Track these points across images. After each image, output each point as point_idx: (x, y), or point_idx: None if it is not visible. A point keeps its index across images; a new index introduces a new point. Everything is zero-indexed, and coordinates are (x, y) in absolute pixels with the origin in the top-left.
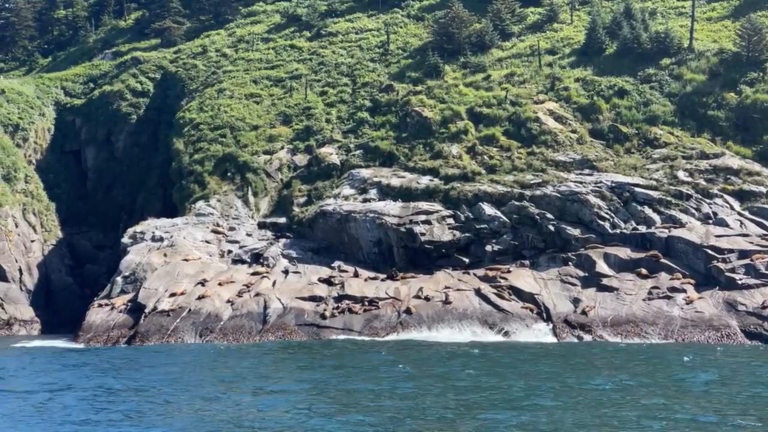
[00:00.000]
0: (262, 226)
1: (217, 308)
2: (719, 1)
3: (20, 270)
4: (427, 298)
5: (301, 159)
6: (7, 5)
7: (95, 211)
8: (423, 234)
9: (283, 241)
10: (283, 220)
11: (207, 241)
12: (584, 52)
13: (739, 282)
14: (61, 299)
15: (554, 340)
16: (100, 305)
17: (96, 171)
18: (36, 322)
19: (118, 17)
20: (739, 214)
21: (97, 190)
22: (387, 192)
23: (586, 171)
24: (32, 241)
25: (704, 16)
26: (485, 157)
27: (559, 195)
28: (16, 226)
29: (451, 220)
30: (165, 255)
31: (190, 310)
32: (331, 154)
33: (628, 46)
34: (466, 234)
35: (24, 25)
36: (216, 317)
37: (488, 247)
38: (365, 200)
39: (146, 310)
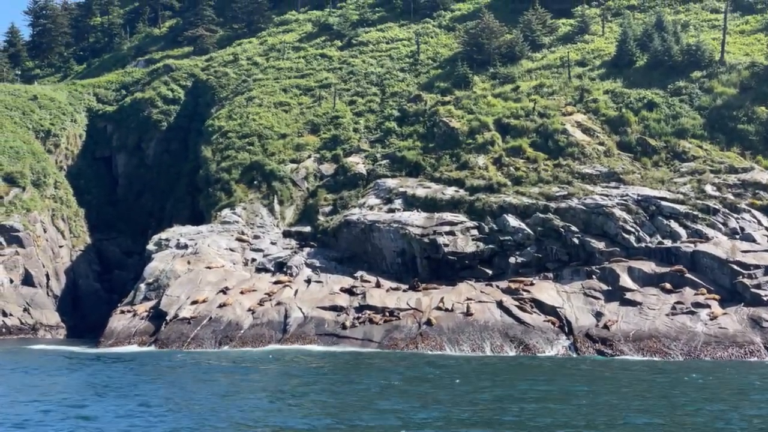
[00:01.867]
0: (286, 234)
1: (237, 316)
2: (753, 14)
3: (47, 275)
4: (447, 310)
5: (328, 168)
6: (44, 12)
7: (125, 217)
8: (446, 245)
9: (307, 250)
10: (308, 229)
11: (231, 249)
12: (615, 64)
13: (765, 298)
14: (88, 305)
15: (574, 354)
16: (123, 312)
17: (126, 177)
18: (62, 327)
19: (153, 25)
20: (767, 229)
21: (127, 197)
22: (412, 202)
23: (613, 184)
24: (60, 247)
25: (737, 29)
26: (511, 168)
27: (584, 208)
28: (45, 232)
29: (475, 232)
30: (188, 262)
31: (210, 318)
32: (357, 163)
33: (659, 59)
34: (490, 246)
35: (60, 32)
36: (236, 325)
37: (512, 259)
38: (390, 210)
39: (167, 318)
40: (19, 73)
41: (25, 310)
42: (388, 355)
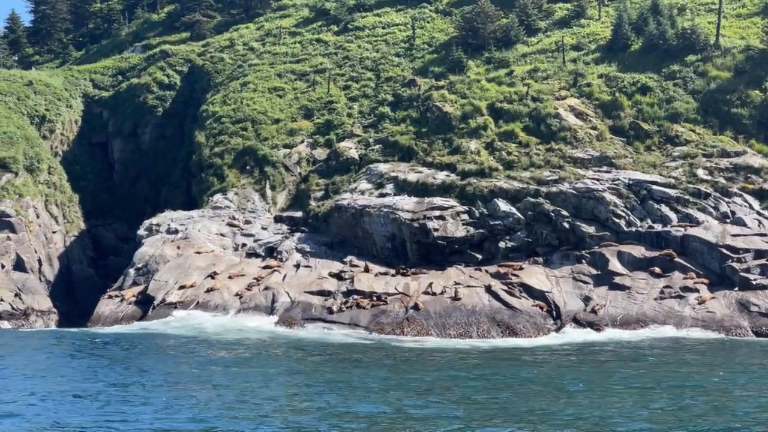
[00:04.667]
0: (278, 219)
1: (225, 301)
2: None
3: (39, 261)
4: (435, 294)
5: (321, 153)
6: None
7: (120, 203)
8: (436, 230)
9: (297, 235)
10: (299, 214)
11: (222, 234)
12: (609, 48)
13: (754, 282)
14: (82, 291)
15: (560, 338)
16: (111, 296)
17: (122, 163)
18: (53, 312)
19: (152, 10)
20: (758, 213)
21: (123, 182)
22: (403, 187)
23: (605, 168)
24: (54, 232)
25: (734, 13)
26: (503, 153)
27: (575, 192)
28: (38, 217)
29: (465, 216)
30: (178, 247)
31: (198, 302)
32: (350, 148)
33: (654, 42)
34: (480, 230)
35: (59, 18)
36: (224, 310)
37: (502, 244)
38: (381, 195)
39: (155, 302)
40: (17, 59)
41: (16, 295)
42: (383, 348)
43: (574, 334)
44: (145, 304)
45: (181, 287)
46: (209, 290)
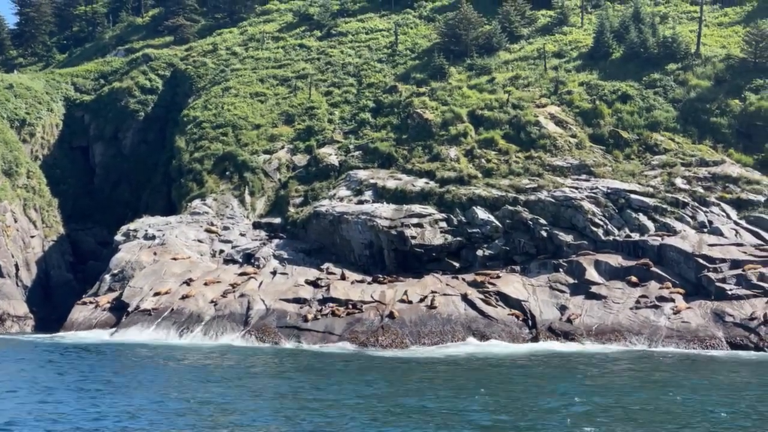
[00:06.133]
0: (256, 226)
1: (200, 308)
2: (732, 6)
3: (16, 265)
4: (410, 302)
5: (301, 159)
6: (27, 1)
7: (101, 207)
8: (414, 237)
9: (275, 241)
10: (278, 220)
11: (199, 240)
12: (591, 55)
13: (729, 292)
14: (60, 295)
15: (535, 346)
16: (85, 303)
17: (103, 167)
18: (29, 318)
19: (136, 14)
20: (736, 223)
21: (103, 187)
22: (382, 194)
23: (583, 176)
24: (32, 237)
25: (715, 22)
26: (483, 160)
27: (553, 200)
28: (15, 221)
29: (443, 224)
30: (155, 253)
31: (172, 309)
32: (330, 154)
33: (635, 51)
34: (458, 238)
35: (43, 21)
36: (198, 317)
37: (479, 252)
38: (360, 202)
39: (129, 309)
40: (0, 61)
41: None
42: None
43: (546, 345)
44: (119, 310)
45: (156, 294)
46: (184, 297)
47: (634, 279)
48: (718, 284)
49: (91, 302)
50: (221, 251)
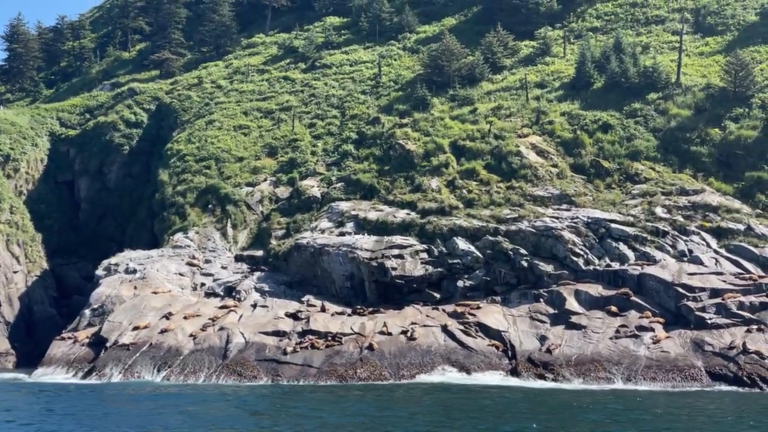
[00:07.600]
0: (238, 258)
1: (179, 342)
2: (713, 36)
3: None
4: (390, 334)
5: (283, 191)
6: (16, 36)
7: (86, 242)
8: (394, 268)
9: (257, 274)
10: (260, 253)
11: (181, 274)
12: (573, 86)
13: (709, 321)
14: (43, 331)
15: (515, 380)
16: (63, 338)
17: (89, 202)
18: (11, 354)
19: (123, 48)
20: (716, 251)
21: (88, 221)
22: (363, 225)
23: (564, 206)
24: (15, 272)
25: (696, 51)
26: (464, 191)
27: (534, 230)
28: None
29: (424, 255)
30: (135, 288)
31: (151, 344)
32: (312, 186)
33: (616, 80)
34: (439, 269)
35: (31, 56)
36: (176, 351)
37: (460, 283)
38: (341, 234)
39: (107, 344)
40: None
41: None
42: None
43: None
44: (98, 345)
45: (135, 328)
46: (163, 331)
47: (614, 308)
48: (697, 313)
49: (69, 338)
50: (203, 284)
